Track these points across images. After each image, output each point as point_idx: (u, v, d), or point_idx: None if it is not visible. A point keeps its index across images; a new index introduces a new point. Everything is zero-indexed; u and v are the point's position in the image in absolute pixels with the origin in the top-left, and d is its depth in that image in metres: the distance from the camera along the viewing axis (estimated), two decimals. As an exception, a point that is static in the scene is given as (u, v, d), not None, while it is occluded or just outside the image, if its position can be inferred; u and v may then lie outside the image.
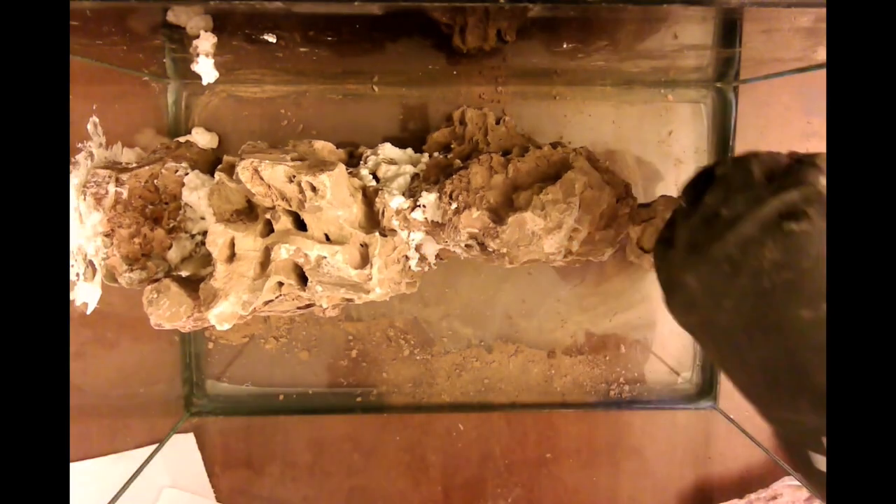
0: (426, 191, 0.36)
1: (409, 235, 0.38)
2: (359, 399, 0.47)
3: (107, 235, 0.37)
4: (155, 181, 0.38)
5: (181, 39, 0.34)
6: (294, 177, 0.33)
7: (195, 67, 0.34)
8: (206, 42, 0.33)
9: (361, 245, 0.35)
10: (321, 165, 0.34)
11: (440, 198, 0.36)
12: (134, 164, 0.38)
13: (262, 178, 0.33)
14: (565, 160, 0.37)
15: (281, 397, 0.47)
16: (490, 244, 0.36)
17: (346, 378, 0.47)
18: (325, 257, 0.34)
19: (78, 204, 0.36)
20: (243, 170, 0.32)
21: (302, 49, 0.37)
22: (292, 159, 0.34)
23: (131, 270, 0.37)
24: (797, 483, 0.47)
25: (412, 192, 0.37)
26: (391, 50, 0.39)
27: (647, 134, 0.45)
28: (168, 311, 0.35)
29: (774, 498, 0.48)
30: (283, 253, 0.33)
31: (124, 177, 0.37)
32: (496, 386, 0.48)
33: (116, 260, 0.36)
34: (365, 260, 0.35)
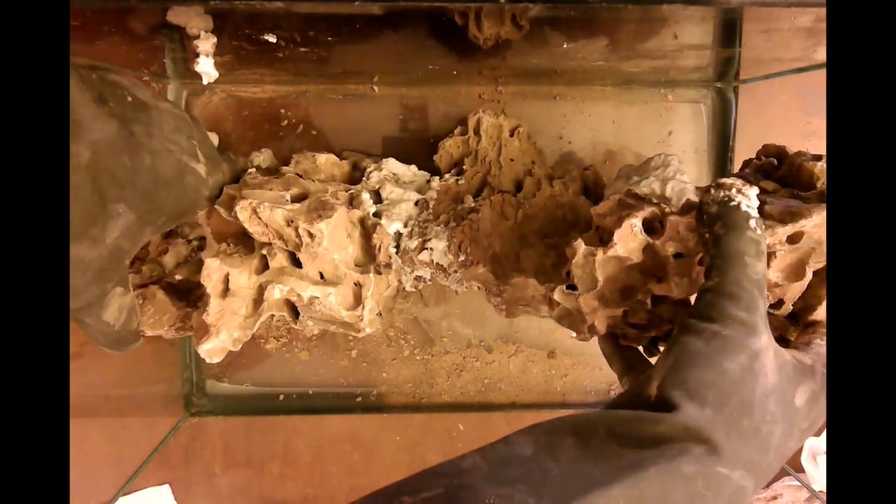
0: (436, 236, 0.36)
1: (413, 272, 0.38)
2: (359, 399, 0.47)
3: None
4: None
5: (181, 39, 0.34)
6: (292, 221, 0.33)
7: (195, 67, 0.34)
8: (206, 42, 0.33)
9: (355, 284, 0.35)
10: (320, 209, 0.33)
11: (449, 247, 0.36)
12: None
13: (260, 219, 0.33)
14: (573, 204, 0.37)
15: (281, 397, 0.47)
16: (491, 299, 0.37)
17: (346, 378, 0.47)
18: (317, 297, 0.34)
19: None
20: (242, 210, 0.32)
21: (302, 49, 0.37)
22: (292, 197, 0.34)
23: None
24: (797, 483, 0.47)
25: (421, 228, 0.37)
26: (391, 50, 0.39)
27: (647, 134, 0.45)
28: (151, 319, 0.35)
29: (774, 498, 0.48)
30: (276, 293, 0.34)
31: None
32: (496, 386, 0.48)
33: None
34: (358, 300, 0.35)
